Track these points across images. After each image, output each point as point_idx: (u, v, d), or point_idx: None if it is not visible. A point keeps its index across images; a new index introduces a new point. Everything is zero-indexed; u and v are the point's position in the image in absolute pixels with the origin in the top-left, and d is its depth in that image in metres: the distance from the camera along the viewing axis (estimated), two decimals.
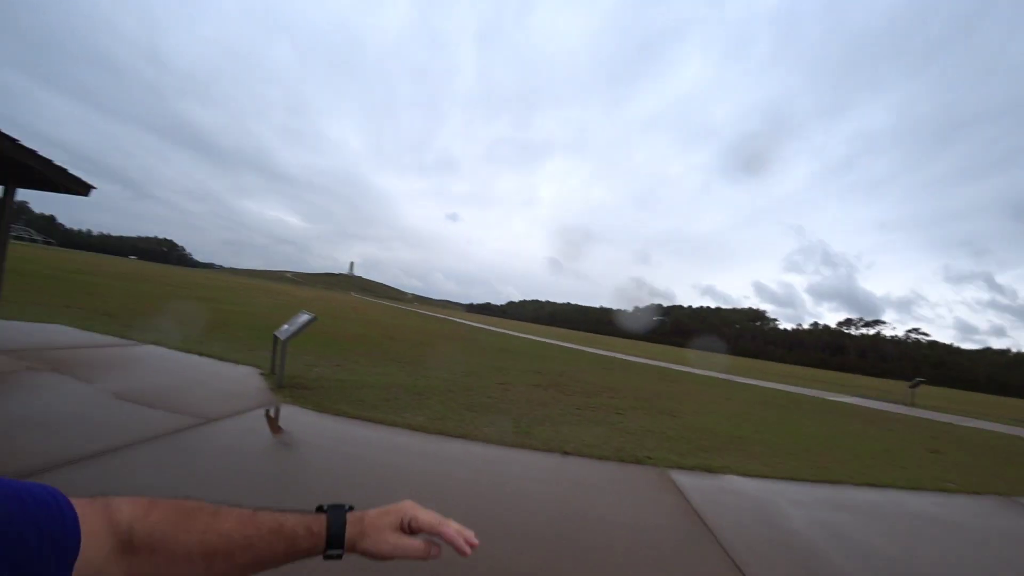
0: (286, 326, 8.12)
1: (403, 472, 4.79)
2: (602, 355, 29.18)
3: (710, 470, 6.13)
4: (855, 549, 4.37)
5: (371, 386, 8.35)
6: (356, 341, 15.83)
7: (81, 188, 6.23)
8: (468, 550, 0.73)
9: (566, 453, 6.06)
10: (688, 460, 6.40)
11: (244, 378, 7.64)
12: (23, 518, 0.44)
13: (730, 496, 5.33)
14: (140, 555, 0.57)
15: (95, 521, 0.54)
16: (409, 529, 0.73)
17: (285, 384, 7.39)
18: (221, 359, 8.80)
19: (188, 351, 9.08)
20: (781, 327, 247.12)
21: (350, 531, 0.70)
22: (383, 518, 0.73)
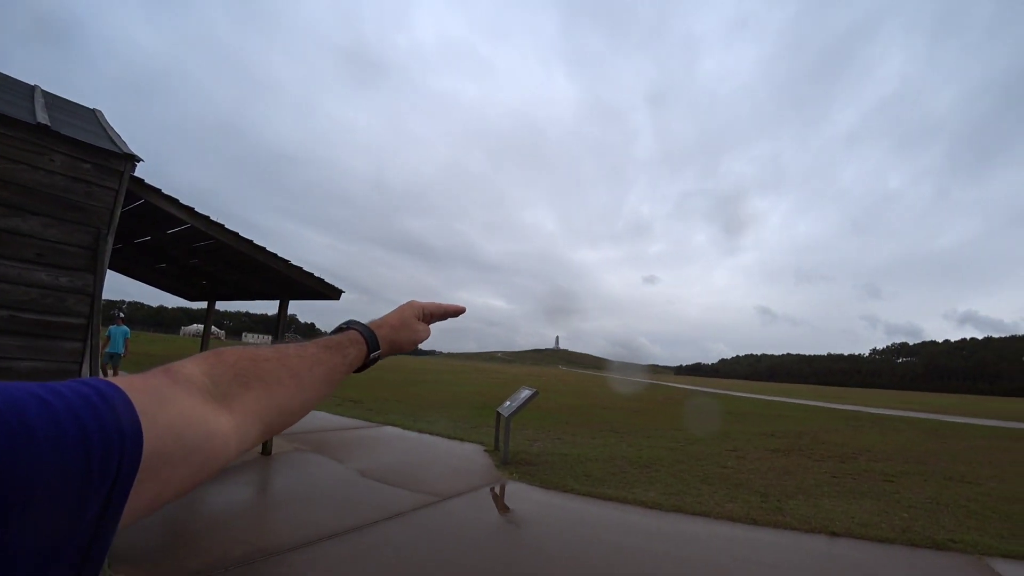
0: (508, 402, 8.35)
1: (642, 556, 4.41)
2: (843, 410, 25.43)
3: None
4: None
5: (594, 459, 8.11)
6: (571, 413, 15.86)
7: (334, 293, 7.43)
8: (464, 307, 0.95)
9: (834, 534, 5.11)
10: (1015, 545, 4.92)
11: (471, 455, 7.96)
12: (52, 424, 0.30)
13: None
14: (236, 395, 0.51)
15: (162, 388, 0.44)
16: (423, 318, 0.88)
17: (510, 460, 7.50)
18: (448, 437, 9.35)
19: (420, 431, 9.85)
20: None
21: (380, 334, 0.77)
22: (405, 314, 0.84)
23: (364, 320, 0.81)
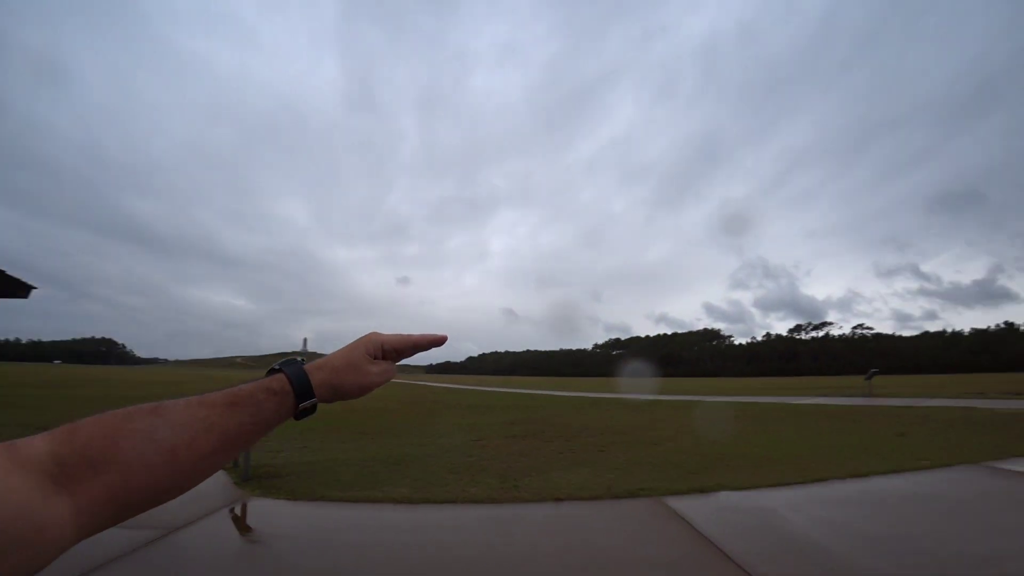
0: None
1: (395, 549, 4.52)
2: (570, 396, 29.06)
3: (704, 490, 6.09)
4: (861, 539, 4.42)
5: (345, 463, 7.98)
6: (319, 418, 15.17)
7: (20, 290, 5.76)
8: (446, 335, 0.80)
9: (559, 499, 5.90)
10: (680, 484, 6.35)
11: None
12: None
13: (729, 512, 5.29)
14: (83, 480, 0.46)
15: None
16: (383, 355, 0.74)
17: (252, 476, 6.96)
18: None
19: None
20: (736, 343, 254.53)
21: (317, 377, 0.66)
22: (353, 354, 0.70)
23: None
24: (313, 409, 0.67)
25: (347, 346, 0.72)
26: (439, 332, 0.81)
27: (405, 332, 0.78)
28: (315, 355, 0.79)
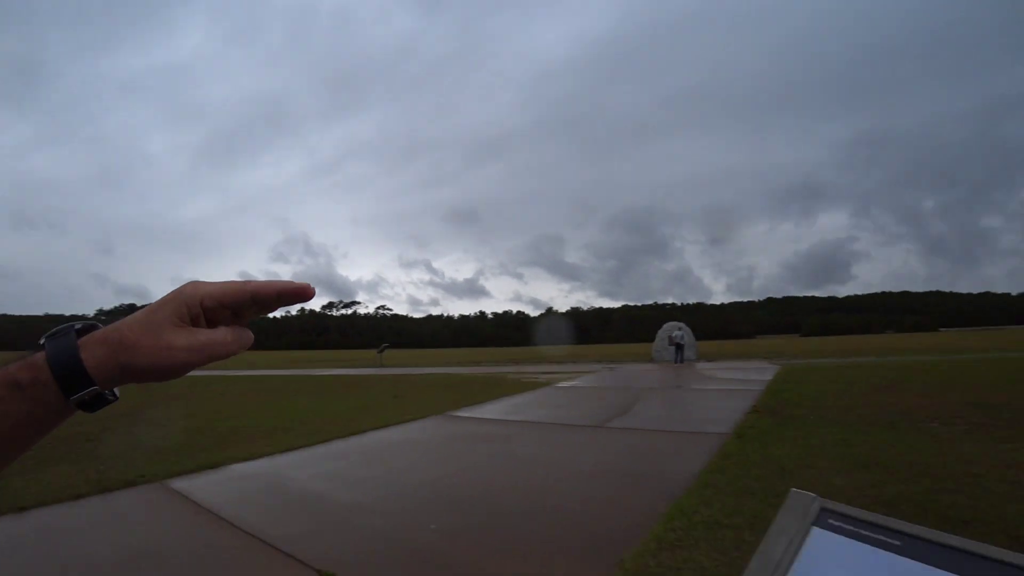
0: None
1: None
2: None
3: (214, 466, 6.05)
4: (350, 482, 5.44)
5: None
6: None
7: None
8: (311, 287, 0.50)
9: (23, 509, 4.85)
10: (188, 464, 6.10)
11: None
12: None
13: (237, 482, 5.49)
14: None
15: None
16: (206, 316, 0.46)
17: None
18: None
19: None
20: (270, 316, 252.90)
21: (95, 355, 0.41)
22: (153, 318, 0.43)
23: None
24: (101, 398, 0.42)
25: (152, 304, 0.44)
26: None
27: None
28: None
